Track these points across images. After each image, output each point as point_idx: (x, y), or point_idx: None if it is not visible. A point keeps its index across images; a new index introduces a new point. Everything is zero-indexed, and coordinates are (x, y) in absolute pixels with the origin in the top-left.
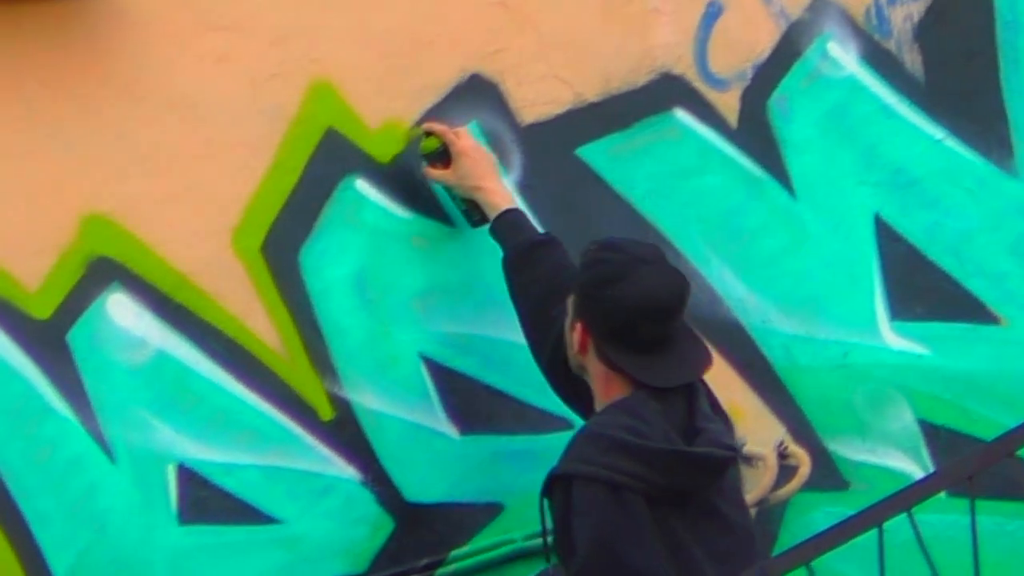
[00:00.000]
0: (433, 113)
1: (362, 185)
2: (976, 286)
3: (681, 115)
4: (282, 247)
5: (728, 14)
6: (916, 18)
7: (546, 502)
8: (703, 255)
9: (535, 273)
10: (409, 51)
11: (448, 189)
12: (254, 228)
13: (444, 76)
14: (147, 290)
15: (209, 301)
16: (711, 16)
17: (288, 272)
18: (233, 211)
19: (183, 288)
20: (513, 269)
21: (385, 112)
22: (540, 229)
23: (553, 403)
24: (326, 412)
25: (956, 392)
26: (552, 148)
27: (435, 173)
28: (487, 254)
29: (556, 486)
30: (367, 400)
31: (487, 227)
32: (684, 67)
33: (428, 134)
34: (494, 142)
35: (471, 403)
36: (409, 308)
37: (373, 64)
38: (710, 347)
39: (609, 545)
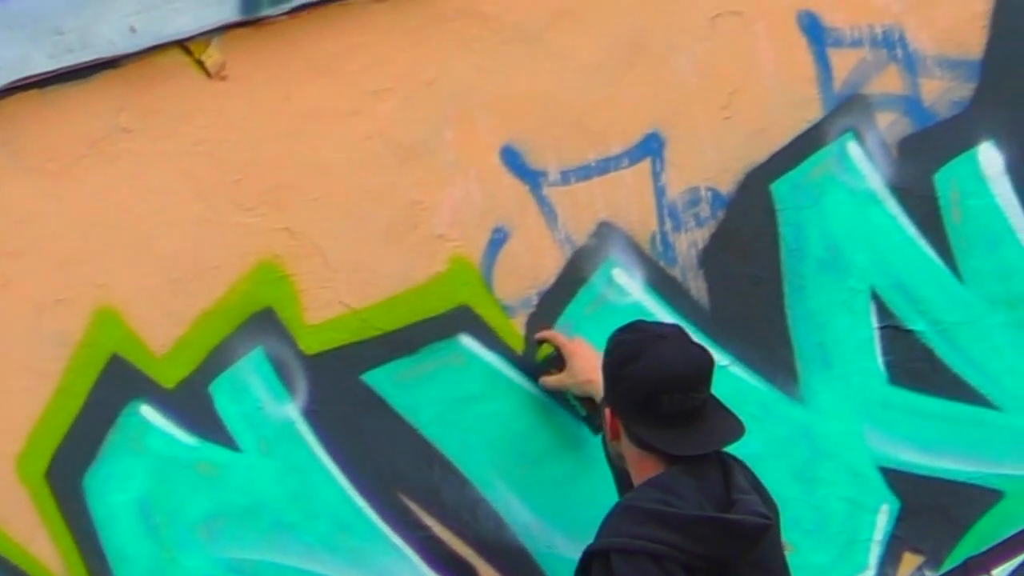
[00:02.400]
0: (224, 342)
1: (147, 411)
2: None
3: (467, 341)
4: (67, 473)
5: (513, 240)
6: (701, 245)
7: None
8: (489, 481)
9: None
10: (195, 276)
11: (566, 397)
12: (38, 454)
13: (231, 302)
14: None
15: None
16: (497, 242)
17: (72, 498)
18: (17, 436)
19: None
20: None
21: (170, 337)
22: None
23: None
24: None
25: None
26: (338, 374)
27: (550, 381)
28: (272, 480)
29: (594, 563)
30: None
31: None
32: (470, 293)
33: (541, 342)
34: (280, 369)
35: None
36: (194, 534)
37: (158, 289)
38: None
39: None
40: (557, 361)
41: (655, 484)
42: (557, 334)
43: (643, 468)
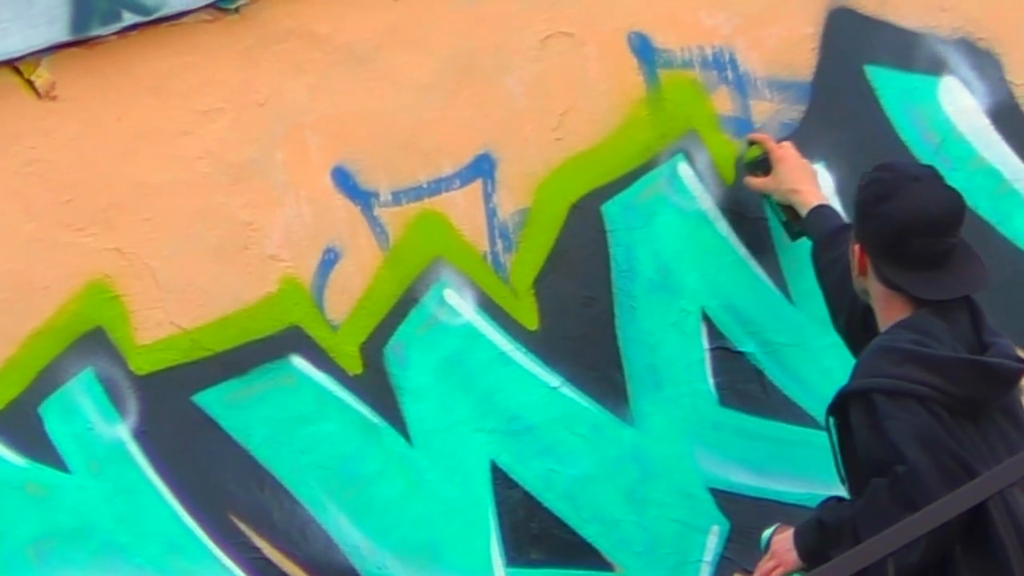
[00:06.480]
0: (53, 362)
1: None
2: (591, 532)
3: (298, 362)
4: None
5: (345, 261)
6: (534, 265)
7: (832, 421)
8: (319, 501)
9: (837, 253)
10: (24, 296)
11: (769, 200)
12: None
13: (61, 322)
14: None
15: None
16: (328, 263)
17: None
18: None
19: None
20: (819, 252)
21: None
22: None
23: None
24: None
25: None
26: (169, 394)
27: (755, 182)
28: (102, 501)
29: (852, 403)
30: None
31: (803, 240)
32: (301, 314)
33: (752, 143)
34: (111, 389)
35: None
36: (24, 555)
37: None
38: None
39: (936, 443)
40: (764, 164)
41: (908, 326)
42: (768, 138)
43: (890, 307)
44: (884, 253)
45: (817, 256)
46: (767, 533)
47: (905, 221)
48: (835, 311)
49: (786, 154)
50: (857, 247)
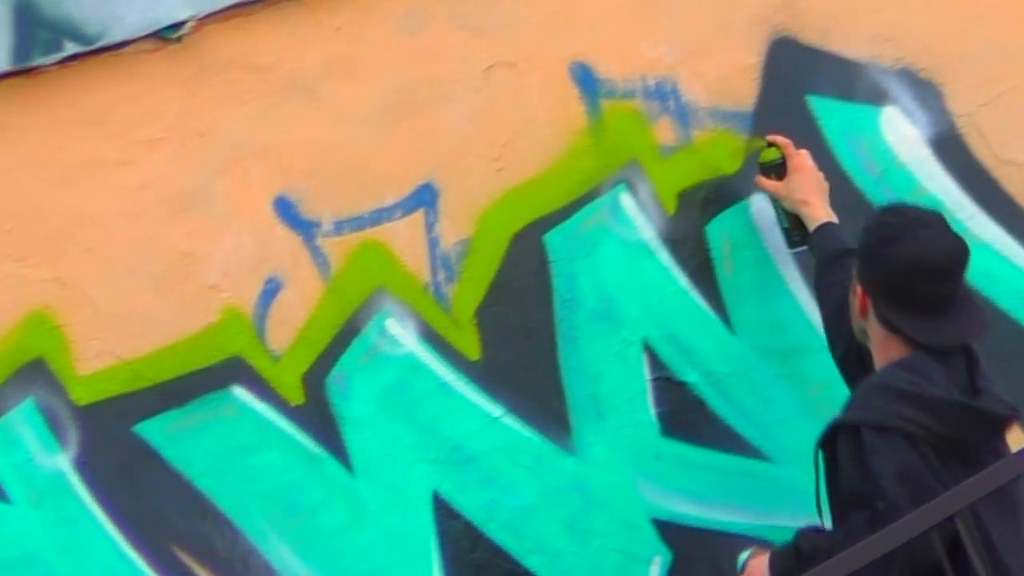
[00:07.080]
0: None
1: None
2: (533, 563)
3: (239, 392)
4: None
5: (287, 291)
6: (476, 295)
7: (821, 454)
8: (262, 532)
9: (837, 277)
10: None
11: (776, 204)
12: None
13: (1, 352)
14: None
15: None
16: (270, 293)
17: None
18: None
19: None
20: (820, 274)
21: None
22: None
23: None
24: None
25: None
26: (109, 425)
27: (767, 184)
28: (42, 532)
29: (841, 435)
30: None
31: (802, 249)
32: (243, 344)
33: (770, 145)
34: (51, 420)
35: None
36: None
37: None
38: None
39: (918, 481)
40: (779, 168)
41: (904, 366)
42: (789, 143)
43: (888, 349)
44: (886, 296)
45: (817, 277)
46: (743, 556)
47: (911, 265)
48: (832, 339)
49: (803, 163)
50: (859, 288)
